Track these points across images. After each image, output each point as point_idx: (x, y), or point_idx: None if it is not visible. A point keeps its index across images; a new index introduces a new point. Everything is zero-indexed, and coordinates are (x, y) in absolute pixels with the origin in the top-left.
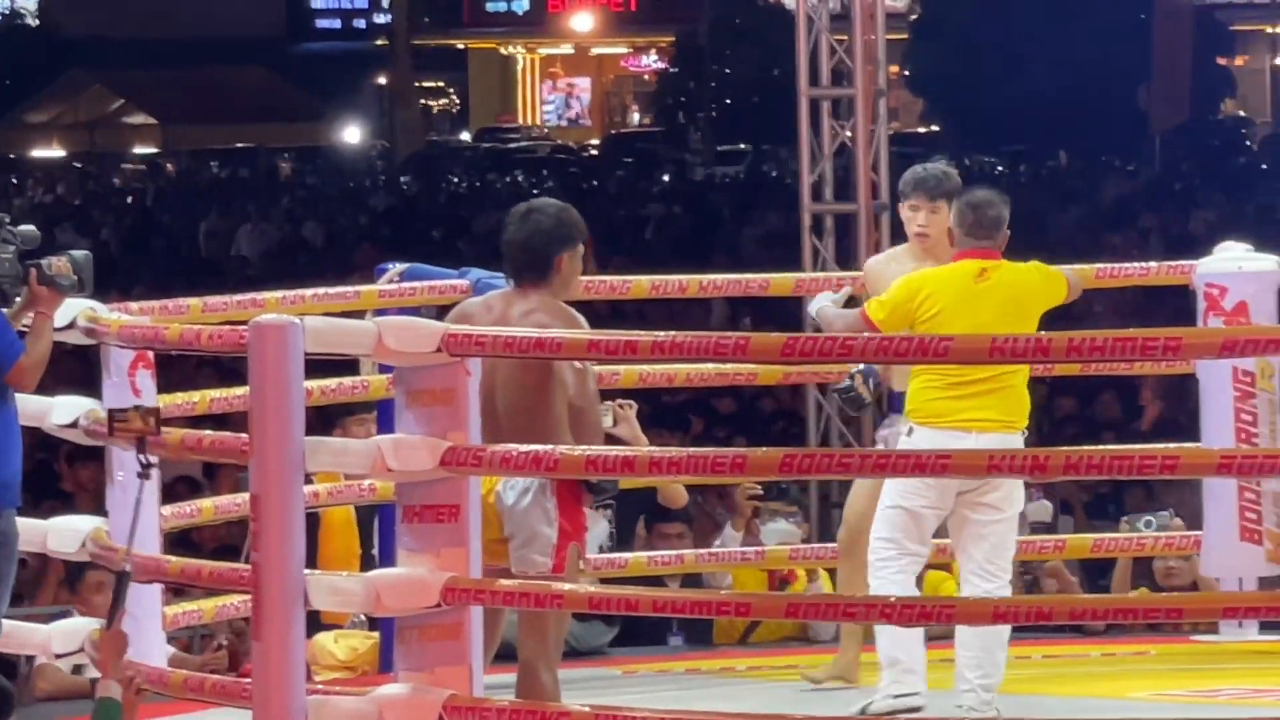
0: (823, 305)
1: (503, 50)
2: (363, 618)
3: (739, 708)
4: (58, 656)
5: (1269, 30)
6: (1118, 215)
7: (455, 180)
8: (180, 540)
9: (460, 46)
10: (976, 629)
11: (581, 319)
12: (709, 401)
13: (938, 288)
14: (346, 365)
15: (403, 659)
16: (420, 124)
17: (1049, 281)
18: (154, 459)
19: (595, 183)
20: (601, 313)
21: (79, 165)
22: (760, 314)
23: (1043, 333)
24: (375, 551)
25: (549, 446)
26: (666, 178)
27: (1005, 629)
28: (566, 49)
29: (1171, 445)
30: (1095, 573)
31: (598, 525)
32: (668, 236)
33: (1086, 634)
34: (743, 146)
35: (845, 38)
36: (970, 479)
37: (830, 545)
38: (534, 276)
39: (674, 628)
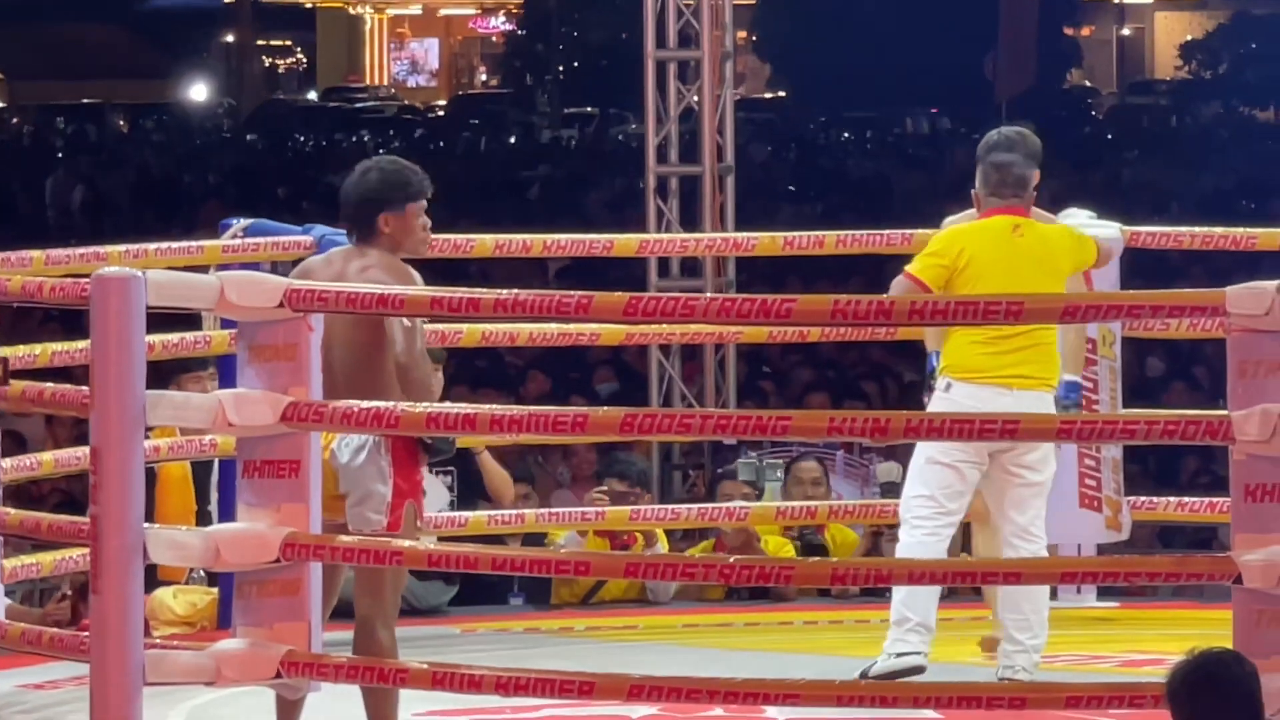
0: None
1: (351, 10)
2: (202, 573)
3: (575, 667)
4: None
5: (1115, 1)
6: (961, 182)
7: (301, 139)
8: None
9: (308, 5)
10: (1023, 590)
11: (417, 276)
12: (553, 363)
13: (973, 241)
14: (189, 320)
15: (241, 614)
16: (265, 82)
17: (1080, 244)
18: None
19: (441, 144)
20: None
21: None
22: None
23: (884, 296)
24: (212, 508)
25: (390, 403)
26: (513, 140)
27: (1044, 590)
28: (415, 9)
29: (1012, 410)
30: None
31: (437, 489)
32: (519, 199)
33: None
34: (590, 109)
35: (693, 1)
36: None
37: (670, 506)
38: (362, 233)
39: (515, 588)
